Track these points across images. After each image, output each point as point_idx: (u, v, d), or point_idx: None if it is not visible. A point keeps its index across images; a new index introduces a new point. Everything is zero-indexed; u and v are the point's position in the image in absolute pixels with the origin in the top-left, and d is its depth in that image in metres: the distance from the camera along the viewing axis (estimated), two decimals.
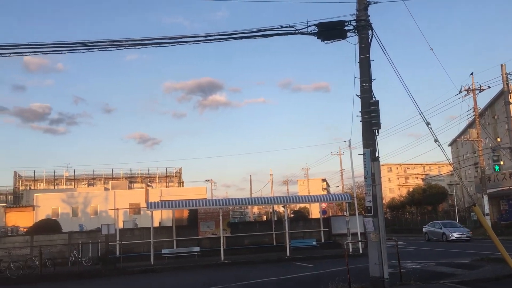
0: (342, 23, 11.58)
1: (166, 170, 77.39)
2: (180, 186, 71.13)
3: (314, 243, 24.16)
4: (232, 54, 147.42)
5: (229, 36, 11.63)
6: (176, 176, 77.29)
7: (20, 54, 11.17)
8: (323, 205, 35.47)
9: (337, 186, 66.91)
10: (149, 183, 67.78)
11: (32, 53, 11.27)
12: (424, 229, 35.03)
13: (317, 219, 27.46)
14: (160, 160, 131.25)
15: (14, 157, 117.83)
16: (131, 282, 16.11)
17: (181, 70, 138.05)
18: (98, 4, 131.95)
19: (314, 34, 11.35)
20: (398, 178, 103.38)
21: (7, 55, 11.01)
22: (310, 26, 11.23)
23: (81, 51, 11.18)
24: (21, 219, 42.41)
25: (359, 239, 22.05)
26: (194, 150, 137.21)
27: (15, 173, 69.45)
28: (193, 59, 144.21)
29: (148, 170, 76.57)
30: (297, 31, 11.16)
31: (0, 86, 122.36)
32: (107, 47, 11.43)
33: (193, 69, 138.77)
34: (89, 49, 11.24)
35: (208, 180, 65.44)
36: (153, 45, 11.80)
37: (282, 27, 11.14)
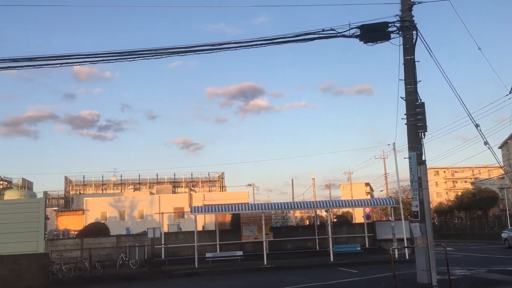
0: (385, 25, 11.41)
1: (208, 174, 78.43)
2: (222, 191, 71.83)
3: (359, 248, 23.78)
4: (273, 59, 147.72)
5: (270, 42, 11.70)
6: (218, 181, 78.13)
7: (71, 64, 11.67)
8: (367, 209, 34.82)
9: (381, 190, 65.71)
10: (192, 188, 68.79)
11: (82, 63, 11.75)
12: (503, 235, 32.28)
13: (361, 224, 27.01)
14: (203, 165, 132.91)
15: (65, 163, 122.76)
16: (177, 285, 16.37)
17: (223, 76, 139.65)
18: (144, 14, 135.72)
19: (356, 36, 11.25)
20: (445, 182, 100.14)
21: (59, 65, 11.54)
22: (352, 28, 11.15)
23: (127, 59, 11.56)
24: (72, 223, 43.99)
25: (406, 245, 21.51)
26: (236, 154, 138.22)
27: (66, 178, 72.31)
28: (234, 65, 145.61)
29: (191, 174, 77.86)
30: (338, 34, 11.09)
31: (52, 95, 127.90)
32: (152, 55, 11.76)
33: (235, 74, 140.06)
34: (135, 57, 11.60)
35: (250, 185, 65.66)
36: (196, 52, 12.04)
37: (323, 30, 11.10)
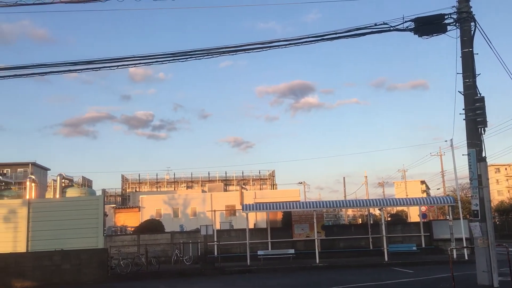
0: (441, 17, 11.01)
1: (259, 172, 78.85)
2: (273, 189, 71.98)
3: (414, 248, 23.11)
4: (324, 56, 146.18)
5: (321, 38, 11.57)
6: (269, 179, 78.35)
7: (127, 66, 12.07)
8: (423, 208, 33.79)
9: (438, 189, 63.42)
10: (243, 186, 69.39)
11: (137, 65, 12.13)
12: None
13: (417, 223, 26.23)
14: (254, 163, 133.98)
15: (122, 162, 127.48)
16: (230, 281, 16.58)
17: (273, 74, 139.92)
18: (195, 15, 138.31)
19: (410, 30, 10.92)
20: (507, 180, 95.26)
21: (115, 67, 11.97)
22: (406, 22, 10.83)
23: (180, 60, 11.81)
24: (129, 219, 45.56)
25: (464, 245, 20.68)
26: (286, 152, 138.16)
27: (122, 176, 75.03)
28: (284, 63, 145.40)
29: (242, 173, 78.59)
30: (392, 28, 10.80)
31: (110, 96, 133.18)
32: (204, 55, 11.95)
33: (285, 72, 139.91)
34: (187, 58, 11.83)
35: (301, 183, 65.44)
36: (246, 51, 12.12)
37: (376, 25, 10.84)
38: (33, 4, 9.98)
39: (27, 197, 43.36)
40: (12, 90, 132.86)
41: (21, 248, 17.76)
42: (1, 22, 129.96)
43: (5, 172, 66.88)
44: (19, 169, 68.12)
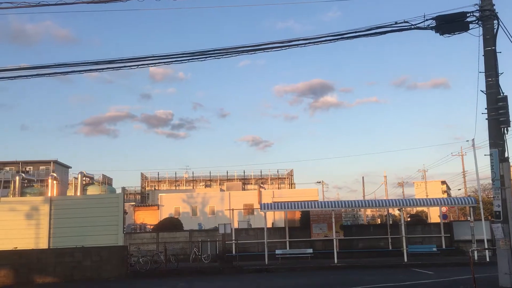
0: (463, 15, 10.83)
1: (277, 172, 78.82)
2: (291, 188, 71.88)
3: (434, 249, 22.81)
4: (343, 55, 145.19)
5: (340, 37, 11.50)
6: (287, 178, 78.26)
7: (147, 65, 12.19)
8: (444, 209, 33.34)
9: (459, 189, 62.50)
10: (261, 185, 69.44)
11: (156, 64, 12.24)
12: None
13: (437, 224, 25.91)
14: (272, 162, 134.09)
15: (141, 160, 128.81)
16: (248, 280, 16.61)
17: (292, 73, 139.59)
18: (213, 15, 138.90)
19: (432, 28, 10.77)
20: None
21: (136, 66, 12.11)
22: (427, 20, 10.69)
23: (199, 59, 11.88)
24: (148, 217, 46.06)
25: (486, 247, 20.34)
26: (305, 151, 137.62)
27: (142, 174, 75.85)
28: (303, 62, 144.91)
29: (260, 172, 78.64)
30: (413, 26, 10.67)
31: (130, 95, 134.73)
32: (222, 55, 12.00)
33: (304, 71, 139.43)
34: (206, 57, 11.89)
35: (320, 182, 65.17)
36: (265, 50, 12.12)
37: (396, 23, 10.73)
38: (56, 4, 10.16)
39: (49, 194, 44.13)
40: (35, 89, 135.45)
41: (43, 244, 18.09)
42: (24, 23, 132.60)
43: (28, 170, 68.26)
44: (41, 167, 69.46)
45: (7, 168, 64.78)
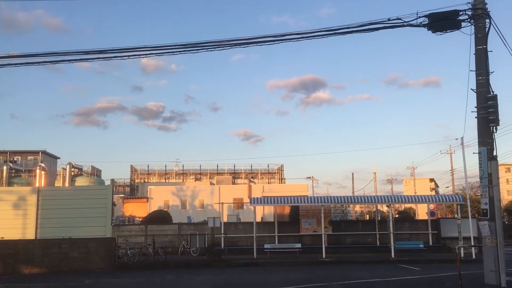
0: (455, 13, 10.86)
1: (268, 166, 78.85)
2: (281, 183, 72.01)
3: (422, 245, 23.00)
4: (336, 51, 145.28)
5: (333, 32, 11.49)
6: (277, 173, 78.38)
7: (138, 56, 12.08)
8: (432, 206, 33.58)
9: (447, 187, 63.11)
10: (251, 179, 69.49)
11: (148, 55, 12.14)
12: None
13: (425, 221, 26.13)
14: (263, 157, 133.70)
15: (131, 152, 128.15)
16: (237, 273, 16.64)
17: (285, 68, 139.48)
18: (208, 7, 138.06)
19: (424, 25, 10.78)
20: None
21: (127, 57, 11.99)
22: (420, 17, 10.69)
23: (191, 51, 11.80)
24: (137, 210, 45.90)
25: (472, 244, 20.55)
26: (296, 147, 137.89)
27: (131, 166, 75.48)
28: (296, 57, 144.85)
29: (251, 166, 78.66)
30: (405, 24, 10.68)
31: (122, 87, 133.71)
32: (215, 47, 11.93)
33: (297, 67, 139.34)
34: (198, 49, 11.81)
35: (309, 177, 65.37)
36: (258, 44, 12.06)
37: (389, 20, 10.73)
38: None
39: (37, 184, 43.80)
40: (25, 78, 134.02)
41: (30, 235, 17.97)
42: (16, 10, 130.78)
43: (16, 159, 67.58)
44: (29, 157, 68.80)
45: None
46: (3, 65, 12.07)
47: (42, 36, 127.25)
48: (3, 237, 17.53)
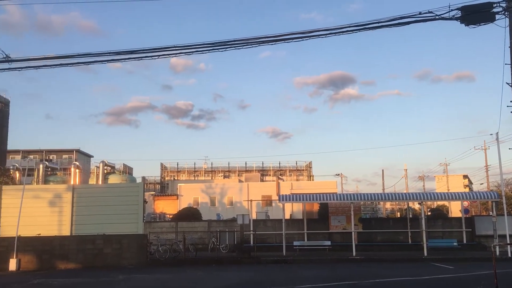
0: (489, 5, 10.55)
1: (296, 163, 78.69)
2: (310, 180, 71.69)
3: (455, 243, 22.54)
4: (365, 46, 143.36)
5: (362, 27, 11.33)
6: (306, 170, 78.08)
7: (167, 56, 12.23)
8: (465, 203, 32.83)
9: (481, 184, 61.51)
10: (280, 176, 69.44)
11: (177, 55, 12.27)
12: None
13: (458, 218, 25.57)
14: (291, 154, 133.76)
15: (162, 150, 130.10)
16: (266, 270, 16.68)
17: (313, 65, 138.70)
18: (236, 6, 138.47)
19: (457, 19, 10.52)
20: None
21: (156, 57, 12.16)
22: (452, 10, 10.44)
23: (219, 50, 11.85)
24: (167, 207, 46.57)
25: (508, 242, 20.00)
26: (324, 144, 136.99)
27: (161, 164, 76.60)
28: (324, 54, 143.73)
29: (279, 163, 78.62)
30: (437, 17, 10.45)
31: (152, 86, 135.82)
32: (243, 45, 11.95)
33: (325, 63, 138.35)
34: (226, 48, 11.86)
35: (338, 174, 64.90)
36: (285, 41, 12.02)
37: (420, 13, 10.52)
38: None
39: (72, 182, 45.00)
40: (60, 79, 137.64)
41: (66, 231, 18.47)
42: (51, 13, 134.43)
43: (51, 158, 69.59)
44: (64, 156, 70.75)
45: (31, 156, 66.16)
46: (39, 67, 12.44)
47: (76, 37, 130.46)
48: (40, 234, 18.07)
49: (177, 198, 49.56)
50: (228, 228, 25.25)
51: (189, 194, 50.08)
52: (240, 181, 62.15)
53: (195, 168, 77.80)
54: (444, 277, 14.09)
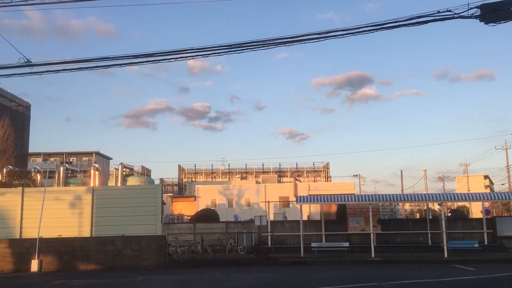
0: (509, 3, 10.37)
1: (313, 164, 78.39)
2: (327, 181, 71.32)
3: (476, 245, 22.18)
4: (383, 46, 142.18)
5: (380, 27, 11.24)
6: (323, 171, 77.72)
7: (185, 58, 12.32)
8: (486, 204, 32.30)
9: (502, 184, 60.40)
10: (297, 177, 69.23)
11: (194, 57, 12.36)
12: None
13: (479, 219, 25.16)
14: (308, 155, 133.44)
15: (179, 152, 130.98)
16: (284, 272, 16.65)
17: (330, 65, 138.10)
18: (252, 7, 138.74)
19: (476, 17, 10.36)
20: None
21: (174, 59, 12.26)
22: (471, 8, 10.29)
23: (236, 51, 11.89)
24: (185, 208, 46.81)
25: None
26: (341, 144, 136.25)
27: (179, 166, 77.12)
28: (341, 54, 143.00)
29: (296, 164, 78.45)
30: (456, 15, 10.31)
31: (169, 88, 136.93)
32: (259, 46, 11.96)
33: (342, 63, 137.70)
34: (243, 49, 11.89)
35: (356, 175, 64.41)
36: (302, 42, 11.99)
37: (438, 12, 10.40)
38: None
39: (91, 184, 45.62)
40: (79, 83, 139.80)
41: (86, 233, 18.71)
42: (70, 18, 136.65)
43: (71, 160, 70.63)
44: (84, 158, 71.73)
45: (52, 159, 67.22)
46: (59, 71, 12.65)
47: (94, 41, 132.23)
48: (60, 235, 18.33)
49: (195, 200, 49.80)
50: (246, 229, 25.27)
51: (207, 196, 50.29)
52: (257, 182, 62.19)
53: (212, 169, 78.12)
54: (465, 279, 13.87)
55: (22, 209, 18.94)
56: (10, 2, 10.58)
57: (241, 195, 51.53)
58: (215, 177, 77.51)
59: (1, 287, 14.33)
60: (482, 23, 10.66)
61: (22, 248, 17.93)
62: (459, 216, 32.93)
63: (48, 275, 16.11)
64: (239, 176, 77.84)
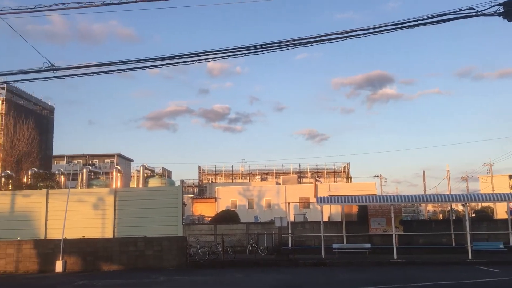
0: None
1: (333, 165, 77.88)
2: (348, 182, 70.78)
3: (501, 246, 21.70)
4: (403, 45, 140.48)
5: (401, 25, 11.12)
6: (343, 172, 77.17)
7: (204, 60, 12.39)
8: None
9: None
10: (317, 178, 68.87)
11: (213, 59, 12.43)
12: None
13: (504, 220, 24.63)
14: (328, 156, 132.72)
15: (199, 153, 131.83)
16: (305, 273, 16.60)
17: (350, 65, 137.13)
18: (270, 8, 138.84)
19: (499, 14, 10.17)
20: None
21: (194, 62, 12.36)
22: (494, 6, 10.10)
23: (255, 53, 11.90)
24: (206, 209, 47.03)
25: None
26: (362, 145, 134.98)
27: (199, 168, 77.55)
28: (361, 53, 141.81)
29: (316, 165, 78.04)
30: (478, 13, 10.13)
31: (189, 90, 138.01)
32: (279, 47, 11.96)
33: (362, 63, 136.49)
34: (262, 51, 11.90)
35: (377, 176, 63.69)
36: (322, 42, 11.94)
37: (460, 10, 10.24)
38: (118, 3, 10.54)
39: (114, 186, 46.17)
40: (101, 86, 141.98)
41: (109, 234, 18.98)
42: (92, 22, 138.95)
43: (94, 162, 71.72)
44: (106, 160, 72.77)
45: (75, 161, 68.39)
46: (82, 74, 12.88)
47: (115, 45, 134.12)
48: (84, 236, 18.63)
49: (215, 201, 49.98)
50: (266, 230, 25.26)
51: (227, 197, 50.42)
52: (277, 183, 62.07)
53: (232, 171, 78.32)
54: (490, 281, 13.61)
55: (46, 211, 19.33)
56: (34, 8, 10.81)
57: (261, 196, 51.50)
58: (235, 178, 77.69)
59: (27, 287, 14.64)
60: (506, 20, 10.46)
61: (47, 249, 18.28)
62: (484, 217, 32.32)
63: (72, 276, 16.39)
64: (259, 177, 77.84)
